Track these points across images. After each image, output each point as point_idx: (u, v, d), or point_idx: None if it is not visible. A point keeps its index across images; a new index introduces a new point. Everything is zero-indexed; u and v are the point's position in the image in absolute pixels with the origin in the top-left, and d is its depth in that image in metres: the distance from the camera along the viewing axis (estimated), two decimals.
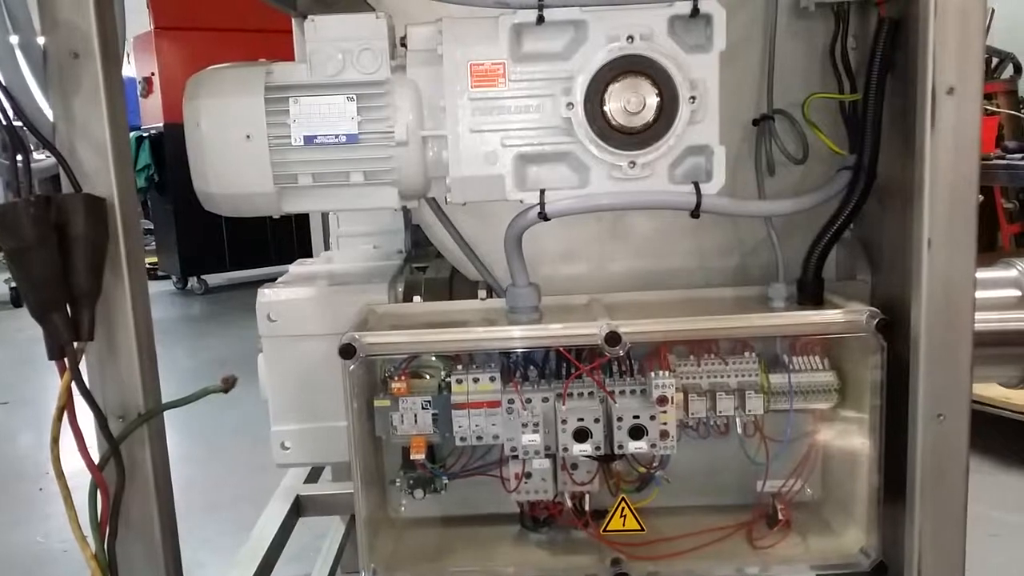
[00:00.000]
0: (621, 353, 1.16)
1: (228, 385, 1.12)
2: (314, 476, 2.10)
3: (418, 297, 1.42)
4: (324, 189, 1.21)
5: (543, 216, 1.17)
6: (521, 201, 1.18)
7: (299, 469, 2.05)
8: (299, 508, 1.89)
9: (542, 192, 1.17)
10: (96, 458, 1.12)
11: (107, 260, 1.12)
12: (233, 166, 1.18)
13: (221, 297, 7.32)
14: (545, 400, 1.22)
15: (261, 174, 1.18)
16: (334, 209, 1.63)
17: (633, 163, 1.14)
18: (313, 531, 2.37)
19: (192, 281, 7.45)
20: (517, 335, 1.20)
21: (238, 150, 1.17)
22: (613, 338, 1.14)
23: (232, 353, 4.95)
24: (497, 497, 1.31)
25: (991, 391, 3.02)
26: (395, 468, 1.34)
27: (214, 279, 7.57)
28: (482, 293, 1.38)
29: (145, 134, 7.07)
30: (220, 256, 7.22)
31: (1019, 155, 3.62)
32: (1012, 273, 1.44)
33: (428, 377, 1.28)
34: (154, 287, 7.52)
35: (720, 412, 1.24)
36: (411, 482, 1.34)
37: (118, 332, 1.14)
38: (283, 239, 6.59)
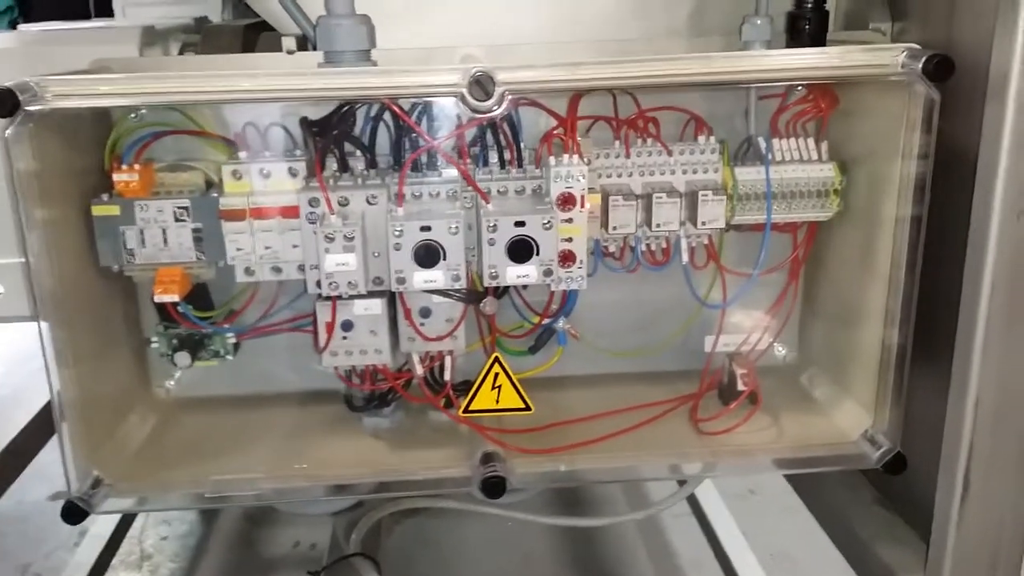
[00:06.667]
0: (497, 111, 0.67)
1: None
2: None
3: (192, 52, 0.89)
4: None
5: None
6: None
7: None
8: None
9: None
10: None
11: None
12: None
13: None
14: (372, 201, 0.73)
15: None
16: None
17: None
18: None
19: None
20: (324, 84, 0.69)
21: None
22: (483, 84, 0.65)
23: None
24: (315, 364, 0.84)
25: None
26: (155, 322, 0.86)
27: None
28: (288, 42, 0.86)
29: None
30: None
31: None
32: None
33: (191, 172, 0.78)
34: None
35: (659, 225, 0.78)
36: (173, 342, 0.85)
37: None
38: None
